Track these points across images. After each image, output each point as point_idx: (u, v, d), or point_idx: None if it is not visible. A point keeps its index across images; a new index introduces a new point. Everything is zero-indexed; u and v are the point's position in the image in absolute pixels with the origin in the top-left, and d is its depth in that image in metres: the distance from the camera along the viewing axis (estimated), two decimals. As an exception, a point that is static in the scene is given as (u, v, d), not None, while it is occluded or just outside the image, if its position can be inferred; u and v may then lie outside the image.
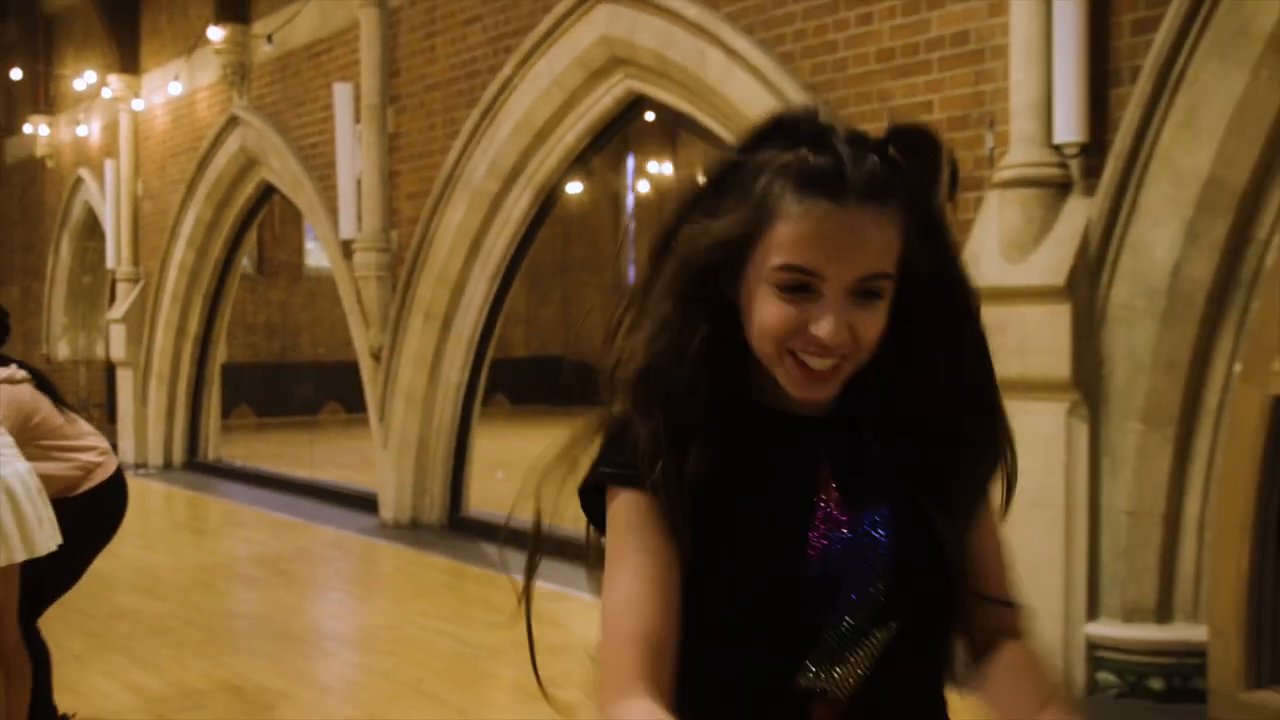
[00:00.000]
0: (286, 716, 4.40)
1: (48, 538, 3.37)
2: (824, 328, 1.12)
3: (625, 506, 1.17)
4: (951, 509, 1.19)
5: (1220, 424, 4.24)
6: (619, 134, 7.38)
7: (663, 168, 16.37)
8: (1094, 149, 4.37)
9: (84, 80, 12.28)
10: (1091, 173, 4.38)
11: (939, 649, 1.22)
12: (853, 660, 1.15)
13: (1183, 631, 4.33)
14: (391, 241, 8.25)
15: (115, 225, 12.12)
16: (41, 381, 3.71)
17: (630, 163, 17.43)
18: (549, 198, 7.48)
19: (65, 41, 14.05)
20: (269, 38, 9.40)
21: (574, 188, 12.50)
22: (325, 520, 8.65)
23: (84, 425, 3.80)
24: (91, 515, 3.73)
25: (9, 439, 3.41)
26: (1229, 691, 4.12)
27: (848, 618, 1.15)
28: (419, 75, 7.98)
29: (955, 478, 1.20)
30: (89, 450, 3.75)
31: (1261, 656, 4.14)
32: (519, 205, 7.45)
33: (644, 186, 17.11)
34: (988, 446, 1.21)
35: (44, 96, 14.21)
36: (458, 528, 8.06)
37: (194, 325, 11.52)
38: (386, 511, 8.30)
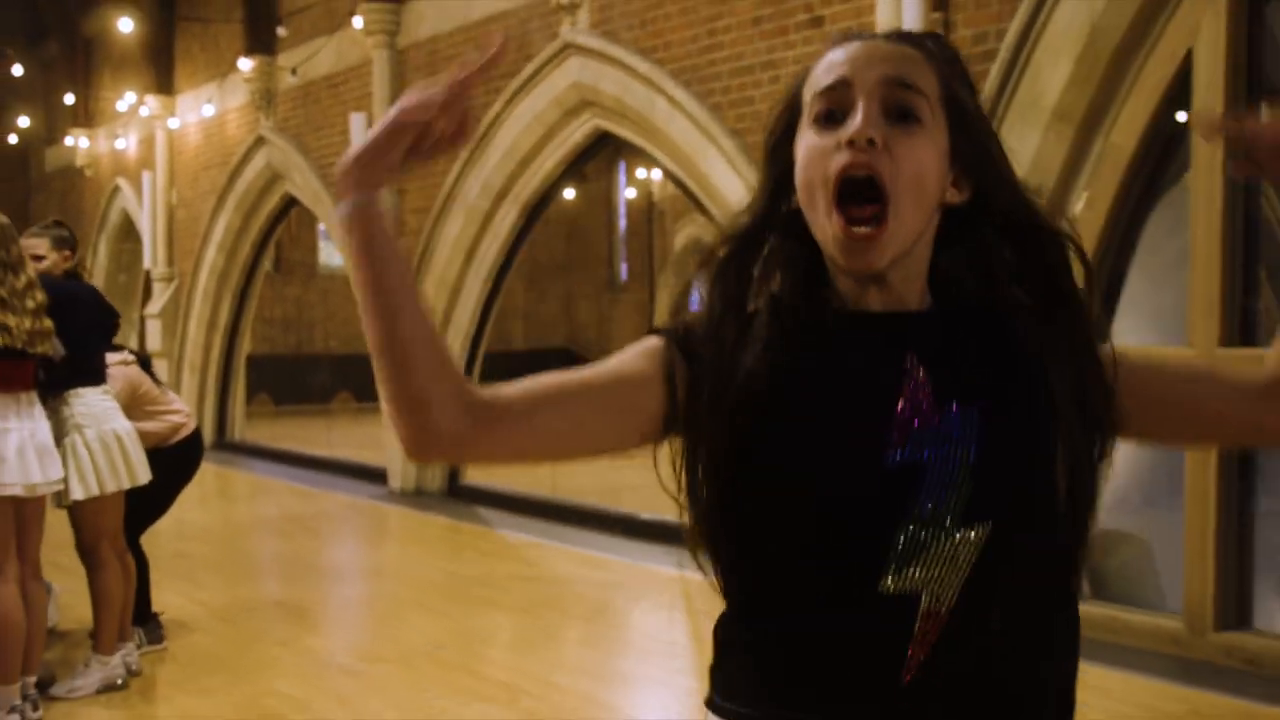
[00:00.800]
0: (317, 620, 5.77)
1: (144, 473, 4.69)
2: (851, 126, 1.10)
3: (640, 342, 1.19)
4: (1060, 409, 1.12)
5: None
6: (593, 157, 8.72)
7: (651, 174, 17.68)
8: (935, 189, 5.68)
9: (125, 101, 13.62)
10: (933, 207, 5.69)
11: (1051, 562, 1.13)
12: (939, 564, 1.08)
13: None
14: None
15: (152, 230, 13.48)
16: (143, 362, 5.06)
17: (621, 169, 18.75)
18: (532, 213, 8.81)
19: (103, 61, 15.41)
20: (293, 70, 10.75)
21: (569, 193, 13.88)
22: (340, 489, 10.00)
23: (172, 395, 5.16)
24: (177, 462, 5.07)
25: (115, 404, 4.74)
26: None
27: (928, 512, 1.08)
28: (423, 107, 9.30)
29: (1055, 365, 1.13)
30: (176, 413, 5.10)
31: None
32: (507, 220, 8.78)
33: (631, 193, 18.43)
34: (1070, 320, 1.15)
35: (83, 111, 15.57)
36: (456, 494, 9.40)
37: (223, 320, 12.88)
38: (394, 481, 9.65)
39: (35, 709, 4.15)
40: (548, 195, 8.77)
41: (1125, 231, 5.27)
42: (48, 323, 4.01)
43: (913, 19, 5.52)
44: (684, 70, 6.96)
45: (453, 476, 9.54)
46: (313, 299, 19.70)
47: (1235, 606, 4.91)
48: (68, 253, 4.70)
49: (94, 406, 4.40)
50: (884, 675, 1.08)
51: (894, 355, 1.13)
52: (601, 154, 8.82)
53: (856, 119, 1.10)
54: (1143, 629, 5.01)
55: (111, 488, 4.45)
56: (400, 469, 9.59)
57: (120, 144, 14.62)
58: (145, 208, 13.62)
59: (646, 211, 19.14)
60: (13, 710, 4.05)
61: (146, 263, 13.73)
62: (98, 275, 15.81)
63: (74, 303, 4.37)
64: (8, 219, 4.19)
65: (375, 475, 10.04)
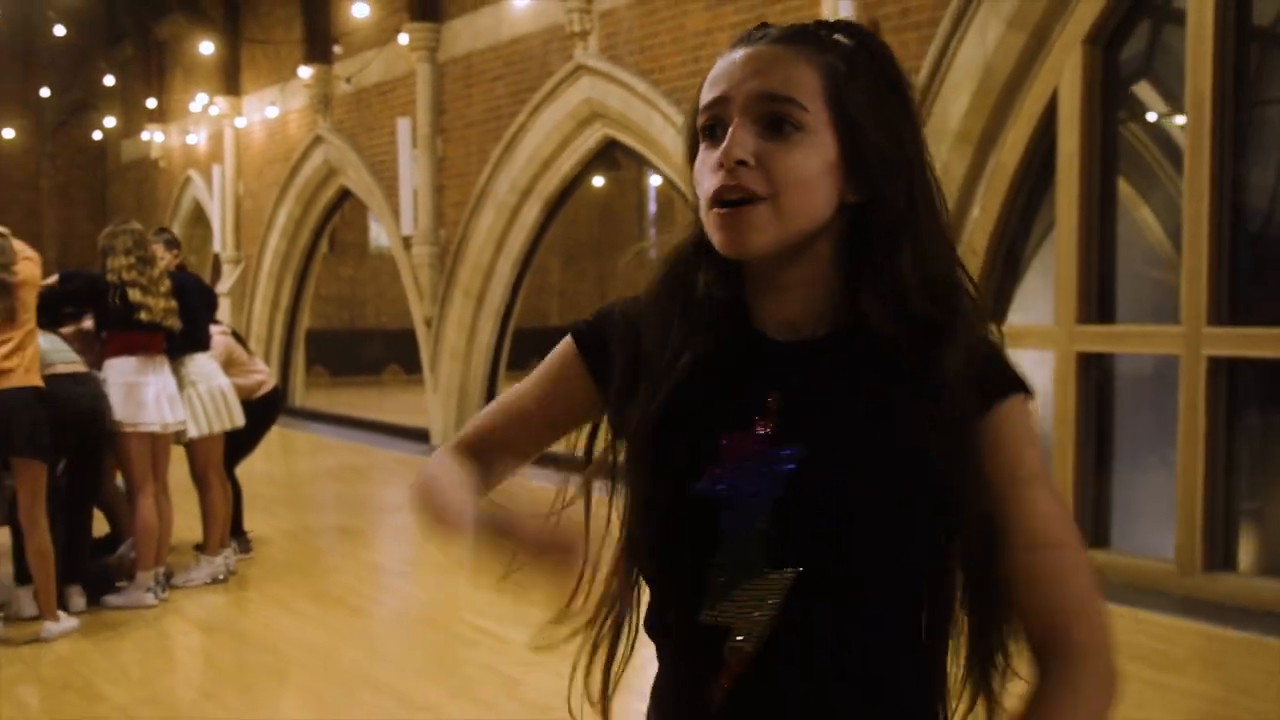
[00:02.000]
0: (370, 540, 7.22)
1: (240, 419, 6.11)
2: (723, 147, 1.07)
3: (561, 345, 1.24)
4: (925, 445, 1.05)
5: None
6: (603, 161, 10.07)
7: (677, 162, 18.98)
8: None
9: (197, 102, 15.13)
10: (866, 209, 6.98)
11: (890, 607, 1.08)
12: (748, 601, 1.06)
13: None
14: (440, 237, 11.00)
15: (221, 218, 15.00)
16: (235, 334, 6.51)
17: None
18: (553, 208, 10.18)
19: (174, 63, 16.93)
20: (348, 79, 12.17)
21: (599, 180, 15.22)
22: (389, 447, 11.46)
23: (257, 359, 6.59)
24: (263, 411, 6.50)
25: (218, 365, 6.15)
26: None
27: (734, 549, 1.07)
28: (460, 115, 10.70)
29: (933, 401, 1.05)
30: (259, 373, 6.53)
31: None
32: (531, 213, 10.15)
33: (658, 179, 19.68)
34: (957, 348, 1.07)
35: (157, 108, 17.12)
36: (488, 451, 10.81)
37: (285, 299, 14.37)
38: (435, 439, 11.08)
39: (163, 590, 5.61)
40: (566, 192, 10.12)
41: (1014, 231, 6.54)
42: (174, 303, 5.45)
43: (849, 56, 6.80)
44: (675, 90, 8.27)
45: (486, 436, 10.94)
46: (365, 278, 20.96)
47: (1092, 529, 6.17)
48: (176, 252, 6.12)
49: (203, 367, 5.84)
50: (697, 704, 1.10)
51: (760, 387, 1.11)
52: (611, 157, 10.16)
53: (728, 138, 1.07)
54: (1139, 570, 5.73)
55: (217, 429, 5.89)
56: (440, 429, 11.02)
57: (192, 139, 16.14)
58: (215, 197, 15.13)
59: (672, 196, 20.42)
60: (149, 590, 5.51)
61: (216, 247, 15.25)
62: (170, 257, 17.40)
63: (185, 290, 5.80)
64: (141, 226, 5.60)
65: (419, 435, 11.48)
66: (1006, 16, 6.24)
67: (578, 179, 9.98)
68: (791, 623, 1.06)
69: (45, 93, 18.95)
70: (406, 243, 11.26)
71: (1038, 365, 6.46)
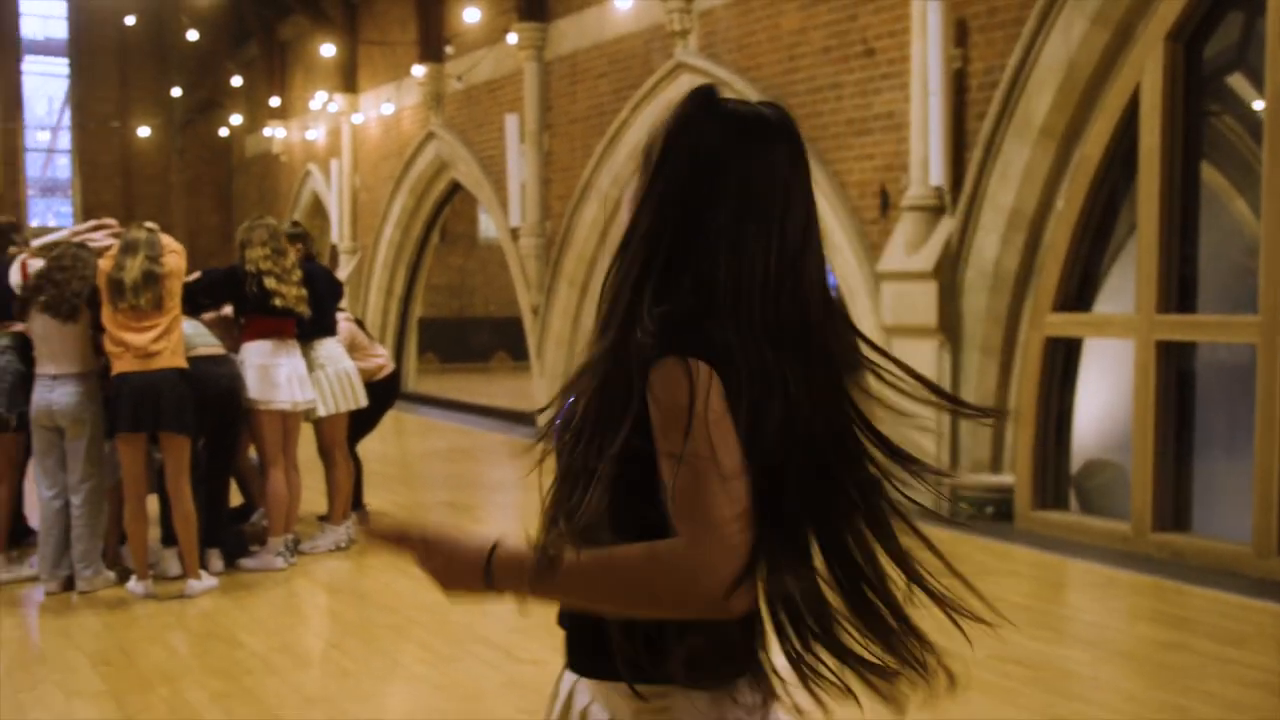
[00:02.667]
0: (479, 515, 7.69)
1: (364, 399, 6.61)
2: None
3: (711, 377, 1.35)
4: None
5: (1025, 354, 7.07)
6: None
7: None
8: (954, 189, 7.20)
9: (316, 100, 15.84)
10: (953, 203, 7.22)
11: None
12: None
13: (1004, 478, 7.17)
14: (546, 229, 11.45)
15: (339, 209, 15.70)
16: (357, 321, 7.02)
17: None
18: (654, 200, 10.53)
19: (295, 62, 17.71)
20: (459, 77, 12.70)
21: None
22: (496, 430, 11.97)
23: (378, 345, 7.10)
24: (383, 393, 6.99)
25: (343, 349, 6.66)
26: (1025, 512, 6.96)
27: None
28: (565, 111, 11.14)
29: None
30: (380, 357, 7.03)
31: (1045, 491, 6.96)
32: (633, 205, 10.52)
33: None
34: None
35: (280, 106, 17.92)
36: (591, 435, 11.24)
37: (399, 287, 15.00)
38: (542, 422, 11.52)
39: (292, 555, 6.13)
40: (667, 185, 10.46)
41: (1097, 223, 6.72)
42: (304, 291, 5.96)
43: (937, 55, 7.04)
44: (771, 88, 8.57)
45: (589, 420, 11.37)
46: (473, 267, 21.61)
47: (1172, 513, 6.35)
48: (299, 245, 6.59)
49: (331, 351, 6.35)
50: None
51: None
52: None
53: None
54: (1217, 553, 5.98)
55: (343, 408, 6.40)
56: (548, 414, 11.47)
57: (311, 135, 16.88)
58: (333, 190, 15.83)
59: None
60: (279, 555, 6.04)
61: (333, 237, 15.96)
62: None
63: (314, 279, 6.30)
64: (276, 220, 6.12)
65: (526, 419, 11.96)
66: (1091, 14, 6.43)
67: (677, 172, 10.32)
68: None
69: (176, 92, 19.93)
70: (514, 234, 11.74)
71: (1120, 353, 6.65)
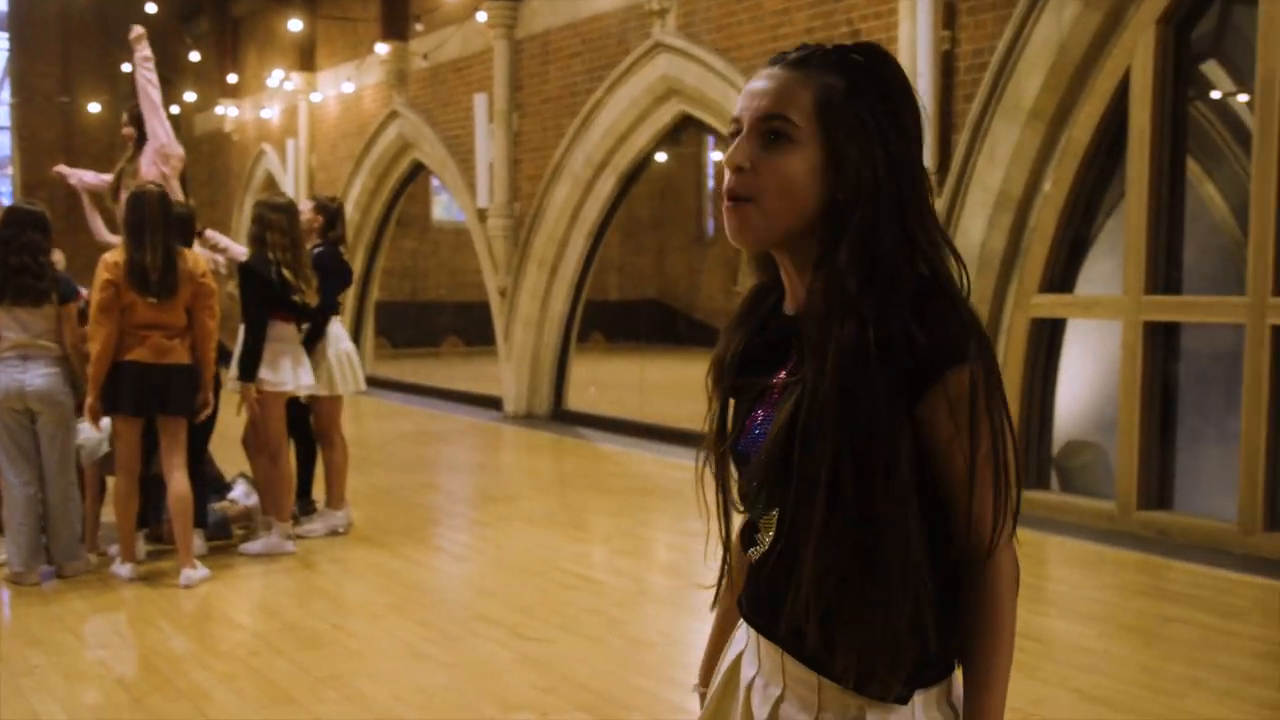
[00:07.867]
0: (454, 495, 7.60)
1: (362, 383, 6.49)
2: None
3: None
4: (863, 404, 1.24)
5: (1011, 335, 7.12)
6: (678, 136, 10.36)
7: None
8: (941, 170, 7.22)
9: (273, 77, 15.55)
10: (939, 184, 7.24)
11: (836, 544, 1.24)
12: (763, 538, 1.36)
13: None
14: (515, 210, 11.34)
15: (295, 190, 15.43)
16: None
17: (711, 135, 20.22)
18: (627, 181, 10.49)
19: (248, 38, 17.38)
20: (424, 55, 12.53)
21: (661, 156, 15.44)
22: (462, 414, 11.86)
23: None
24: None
25: (345, 330, 6.53)
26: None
27: (750, 495, 1.35)
28: (536, 91, 11.03)
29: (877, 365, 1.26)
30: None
31: (1028, 471, 7.02)
32: (605, 186, 10.47)
33: (718, 155, 19.93)
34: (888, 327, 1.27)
35: (231, 83, 17.57)
36: (560, 418, 11.19)
37: (356, 270, 14.73)
38: (508, 406, 11.46)
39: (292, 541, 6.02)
40: (640, 166, 10.43)
41: (1085, 204, 6.78)
42: (315, 281, 5.92)
43: (926, 36, 7.05)
44: (752, 68, 8.54)
45: (556, 403, 11.32)
46: (426, 250, 21.32)
47: (1157, 492, 6.44)
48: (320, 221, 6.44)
49: (334, 331, 6.26)
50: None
51: (778, 361, 1.37)
52: (685, 132, 10.44)
53: (731, 148, 1.32)
54: (1202, 530, 6.06)
55: (341, 391, 6.30)
56: (513, 395, 11.39)
57: (266, 114, 16.58)
58: (289, 170, 15.57)
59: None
60: (289, 539, 5.93)
61: (290, 218, 15.67)
62: (241, 228, 17.84)
63: (325, 270, 6.18)
64: (289, 200, 6.10)
65: (491, 403, 11.86)
66: (1081, -3, 6.46)
67: (651, 152, 10.27)
68: (781, 553, 1.33)
69: (126, 68, 19.43)
70: (481, 215, 11.62)
71: (1106, 333, 6.72)
